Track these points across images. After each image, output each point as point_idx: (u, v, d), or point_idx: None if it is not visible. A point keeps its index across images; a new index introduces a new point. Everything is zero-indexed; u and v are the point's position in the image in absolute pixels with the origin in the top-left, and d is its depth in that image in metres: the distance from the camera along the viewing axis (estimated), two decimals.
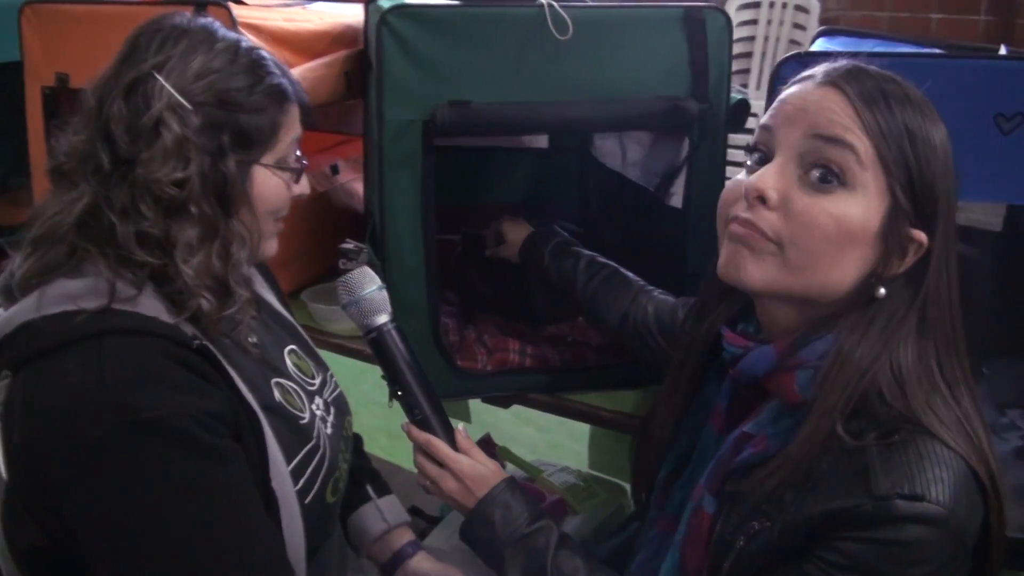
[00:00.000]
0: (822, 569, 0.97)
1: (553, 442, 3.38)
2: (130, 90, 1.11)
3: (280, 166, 1.19)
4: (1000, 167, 1.29)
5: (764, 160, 1.04)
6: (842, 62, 1.04)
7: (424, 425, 1.32)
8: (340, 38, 2.05)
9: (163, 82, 1.10)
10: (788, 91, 1.05)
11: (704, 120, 1.59)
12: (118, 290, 1.08)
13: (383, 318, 1.32)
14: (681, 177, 1.71)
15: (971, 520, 0.97)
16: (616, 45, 1.54)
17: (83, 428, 1.01)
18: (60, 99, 1.89)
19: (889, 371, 1.00)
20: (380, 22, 1.49)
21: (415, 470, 2.95)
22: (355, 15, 2.08)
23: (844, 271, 1.01)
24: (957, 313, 1.04)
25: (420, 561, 1.48)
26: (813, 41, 1.89)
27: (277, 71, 1.19)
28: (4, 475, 1.09)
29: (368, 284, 1.32)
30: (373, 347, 1.33)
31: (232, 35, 1.18)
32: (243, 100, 1.14)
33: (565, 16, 1.49)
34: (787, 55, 1.40)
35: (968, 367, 1.05)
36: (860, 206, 0.99)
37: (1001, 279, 1.65)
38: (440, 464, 1.30)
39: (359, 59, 2.01)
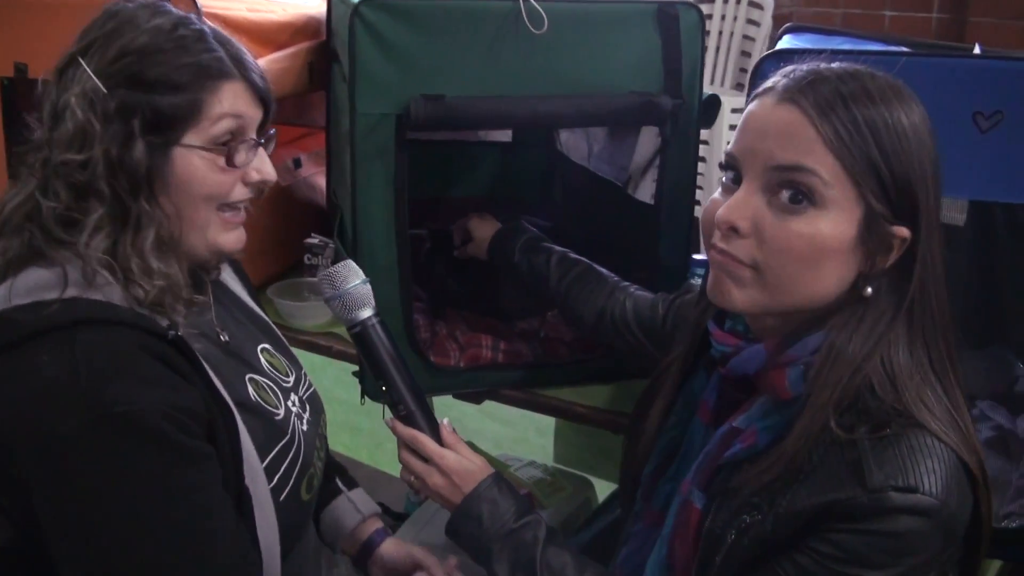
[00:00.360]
0: (815, 560, 0.98)
1: (518, 436, 3.39)
2: (60, 75, 1.11)
3: (208, 147, 1.12)
4: (978, 165, 1.31)
5: (737, 179, 1.05)
6: (801, 70, 1.03)
7: (409, 420, 1.30)
8: (303, 29, 2.03)
9: (84, 66, 1.09)
10: (750, 108, 1.05)
11: (677, 116, 1.59)
12: (86, 278, 1.06)
13: (367, 312, 1.30)
14: (652, 172, 1.71)
15: (962, 510, 0.98)
16: (591, 40, 1.54)
17: (54, 421, 0.99)
18: (18, 90, 1.84)
19: (880, 366, 1.01)
20: (353, 14, 1.47)
21: (376, 466, 2.93)
22: (317, 6, 2.06)
23: (826, 283, 1.02)
24: (944, 301, 1.05)
25: (389, 547, 1.47)
26: (779, 38, 1.89)
27: (214, 47, 1.13)
28: None
29: (352, 278, 1.29)
30: (357, 341, 1.31)
31: (176, 14, 1.14)
32: (158, 80, 1.09)
33: (540, 10, 1.48)
34: (766, 52, 1.40)
35: (955, 357, 1.06)
36: (831, 222, 0.99)
37: (967, 272, 1.68)
38: (426, 460, 1.28)
39: (322, 51, 1.99)
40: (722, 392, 1.18)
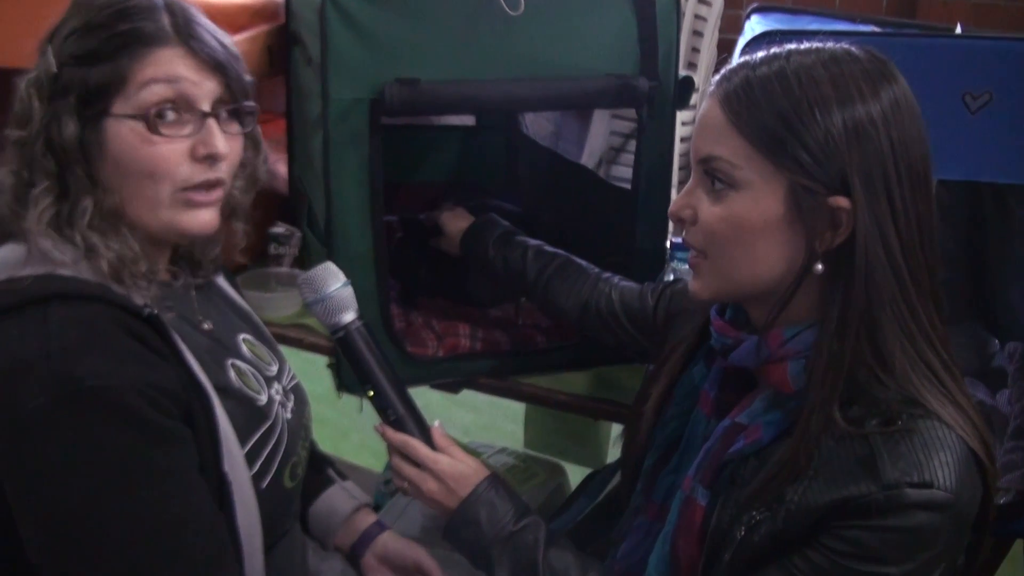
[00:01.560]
0: (829, 558, 0.97)
1: (487, 424, 3.35)
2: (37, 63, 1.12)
3: (135, 115, 1.07)
4: (967, 145, 1.31)
5: None
6: (732, 64, 1.05)
7: (399, 425, 1.26)
8: (261, 12, 1.97)
9: (48, 51, 1.09)
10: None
11: (653, 98, 1.57)
12: (59, 253, 1.06)
13: (350, 316, 1.26)
14: (624, 155, 1.70)
15: (974, 501, 0.98)
16: (567, 21, 1.52)
17: (23, 396, 0.97)
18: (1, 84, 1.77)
19: (869, 350, 0.99)
20: None
21: (341, 456, 2.89)
22: None
23: (767, 261, 1.02)
24: (922, 266, 1.00)
25: (388, 538, 1.44)
26: (747, 17, 1.89)
27: (161, 18, 1.09)
28: None
29: (333, 281, 1.26)
30: (341, 347, 1.27)
31: None
32: (92, 51, 1.07)
33: None
34: (756, 35, 1.39)
35: (945, 334, 1.04)
36: (749, 201, 1.01)
37: (951, 250, 1.69)
38: (418, 465, 1.25)
39: (281, 34, 1.94)
40: (723, 384, 1.17)
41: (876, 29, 1.64)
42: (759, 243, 1.02)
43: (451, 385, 1.72)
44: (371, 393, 1.26)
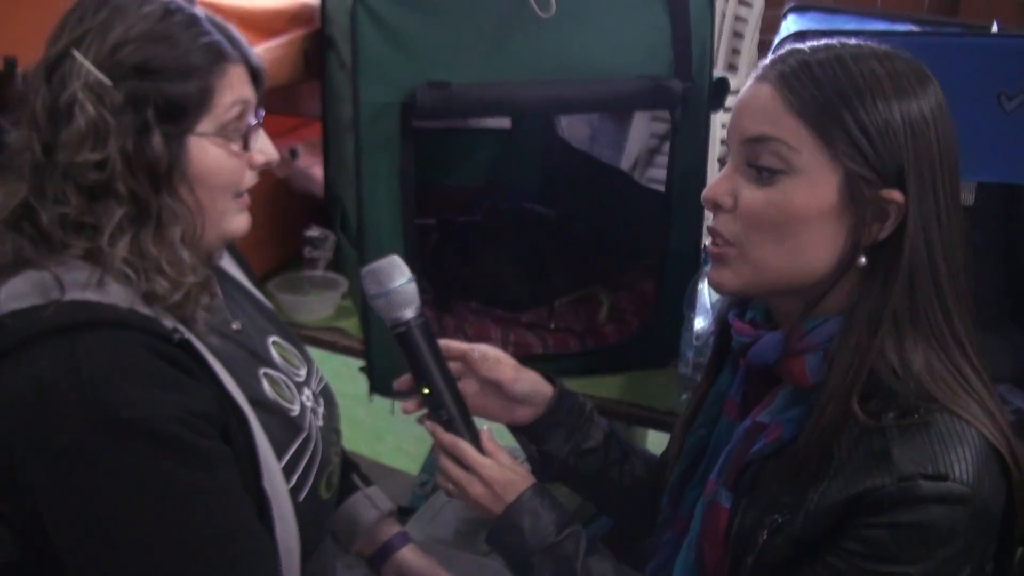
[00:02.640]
0: (846, 560, 0.95)
1: None
2: (50, 71, 1.05)
3: (221, 134, 1.09)
4: (1002, 146, 1.28)
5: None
6: (782, 50, 1.02)
7: (449, 426, 1.23)
8: (297, 17, 1.99)
9: (81, 59, 1.03)
10: (740, 92, 1.06)
11: (687, 99, 1.56)
12: (85, 279, 1.02)
13: (412, 312, 1.22)
14: (659, 157, 1.68)
15: (995, 498, 0.95)
16: (599, 23, 1.51)
17: (58, 429, 0.96)
18: (6, 84, 1.79)
19: (893, 346, 0.97)
20: (355, 0, 1.43)
21: (377, 459, 2.90)
22: None
23: (811, 253, 1.00)
24: (959, 274, 1.00)
25: (409, 553, 1.43)
26: (784, 16, 1.87)
27: (211, 30, 1.10)
28: None
29: (398, 276, 1.22)
30: (401, 342, 1.23)
31: (162, 0, 1.10)
32: (166, 67, 1.04)
33: None
34: (789, 33, 1.37)
35: (973, 336, 1.02)
36: (804, 186, 0.98)
37: (977, 252, 1.65)
38: (466, 468, 1.22)
39: (317, 38, 1.96)
40: (747, 386, 1.15)
41: (913, 28, 1.61)
42: (804, 232, 0.99)
43: None
44: (426, 391, 1.23)
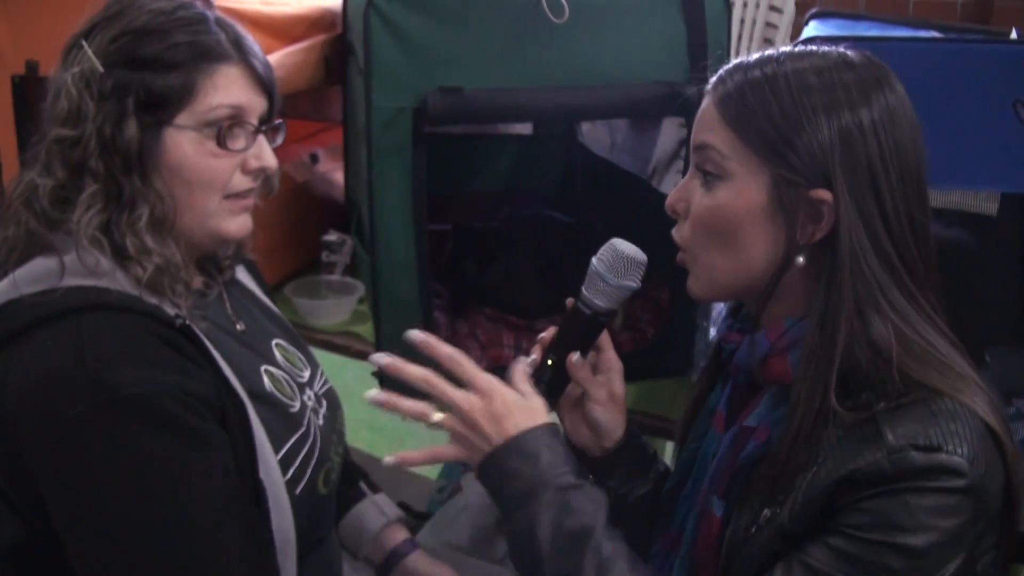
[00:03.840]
0: (849, 536, 0.92)
1: None
2: (64, 58, 1.11)
3: (199, 131, 1.10)
4: (1018, 155, 1.25)
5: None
6: (729, 65, 1.06)
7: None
8: (318, 22, 2.00)
9: (86, 47, 1.09)
10: None
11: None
12: (90, 266, 1.05)
13: (611, 307, 1.17)
14: (676, 164, 1.67)
15: (992, 478, 0.93)
16: (613, 29, 1.51)
17: (61, 405, 0.98)
18: (30, 87, 1.82)
19: (862, 338, 0.97)
20: (368, 4, 1.44)
21: (402, 466, 2.90)
22: None
23: (754, 253, 1.02)
24: (912, 259, 0.99)
25: (417, 560, 1.43)
26: (806, 24, 1.85)
27: (215, 30, 1.12)
28: None
29: (632, 278, 1.16)
30: (575, 316, 1.18)
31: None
32: (153, 59, 1.08)
33: None
34: (799, 40, 1.36)
35: (942, 320, 1.02)
36: (734, 191, 1.01)
37: (1000, 265, 1.63)
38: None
39: (338, 44, 1.96)
40: (732, 395, 1.15)
41: (936, 35, 1.59)
42: (740, 235, 1.01)
43: None
44: (549, 362, 1.19)
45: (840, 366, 0.97)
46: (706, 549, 1.08)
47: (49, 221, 1.09)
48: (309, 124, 2.28)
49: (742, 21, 3.78)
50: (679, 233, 1.08)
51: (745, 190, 1.00)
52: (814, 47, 1.03)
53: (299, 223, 2.04)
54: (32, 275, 1.06)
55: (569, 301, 1.19)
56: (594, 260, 1.17)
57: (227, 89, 1.12)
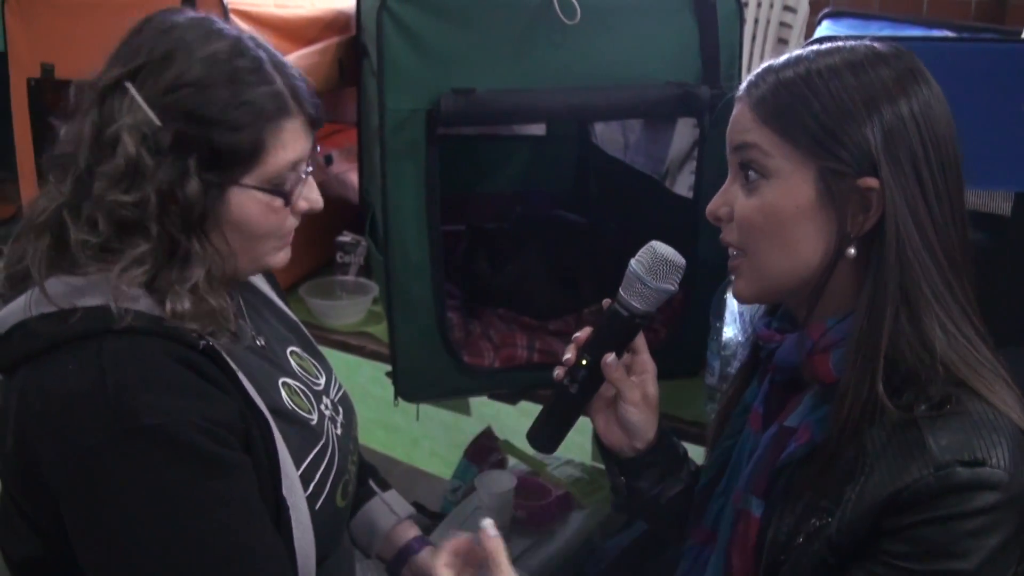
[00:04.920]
0: (892, 566, 0.93)
1: None
2: (103, 97, 1.05)
3: (265, 188, 1.08)
4: None
5: None
6: (759, 68, 1.06)
7: (565, 396, 1.21)
8: (332, 24, 2.01)
9: (134, 94, 1.03)
10: None
11: (715, 106, 1.55)
12: (120, 289, 1.02)
13: (647, 309, 1.17)
14: (689, 164, 1.67)
15: None
16: (625, 30, 1.50)
17: (82, 432, 0.97)
18: (45, 90, 1.83)
19: (910, 327, 0.98)
20: (381, 7, 1.44)
21: (412, 463, 2.91)
22: (347, 0, 2.04)
23: (807, 248, 1.01)
24: (954, 249, 1.00)
25: (428, 556, 1.43)
26: (819, 23, 1.85)
27: (275, 79, 1.08)
28: None
29: (670, 282, 1.16)
30: (611, 318, 1.19)
31: (231, 34, 1.08)
32: (218, 117, 1.03)
33: (573, 0, 1.45)
34: (813, 39, 1.36)
35: (979, 317, 1.02)
36: (781, 188, 1.01)
37: (1014, 265, 1.62)
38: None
39: (352, 46, 1.97)
40: (770, 394, 1.14)
41: (950, 34, 1.58)
42: (793, 231, 1.01)
43: (508, 396, 1.72)
44: (583, 362, 1.20)
45: (886, 358, 0.97)
46: (743, 549, 1.08)
47: (72, 260, 1.05)
48: (323, 126, 2.28)
49: (756, 21, 3.77)
50: (730, 237, 1.07)
51: (793, 186, 1.01)
52: (840, 43, 1.03)
53: (313, 224, 2.01)
54: (52, 294, 1.03)
55: (606, 302, 1.20)
56: (632, 262, 1.17)
57: (292, 146, 1.09)
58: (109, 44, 1.10)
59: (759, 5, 3.74)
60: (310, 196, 1.16)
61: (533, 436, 1.26)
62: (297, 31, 1.91)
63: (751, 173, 1.03)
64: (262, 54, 1.09)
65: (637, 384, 1.22)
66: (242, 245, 1.11)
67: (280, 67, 1.10)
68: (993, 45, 1.28)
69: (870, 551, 0.95)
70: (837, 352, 1.02)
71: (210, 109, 1.03)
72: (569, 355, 1.21)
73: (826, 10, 1.87)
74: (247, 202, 1.08)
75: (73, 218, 1.04)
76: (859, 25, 1.72)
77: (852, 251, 1.00)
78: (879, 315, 0.97)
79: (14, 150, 1.95)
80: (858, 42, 1.03)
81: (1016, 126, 1.24)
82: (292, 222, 1.16)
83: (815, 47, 1.04)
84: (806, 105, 0.99)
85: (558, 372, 1.21)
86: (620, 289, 1.17)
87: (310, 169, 1.15)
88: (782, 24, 3.74)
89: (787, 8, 3.72)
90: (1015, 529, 0.92)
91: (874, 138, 0.97)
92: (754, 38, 3.79)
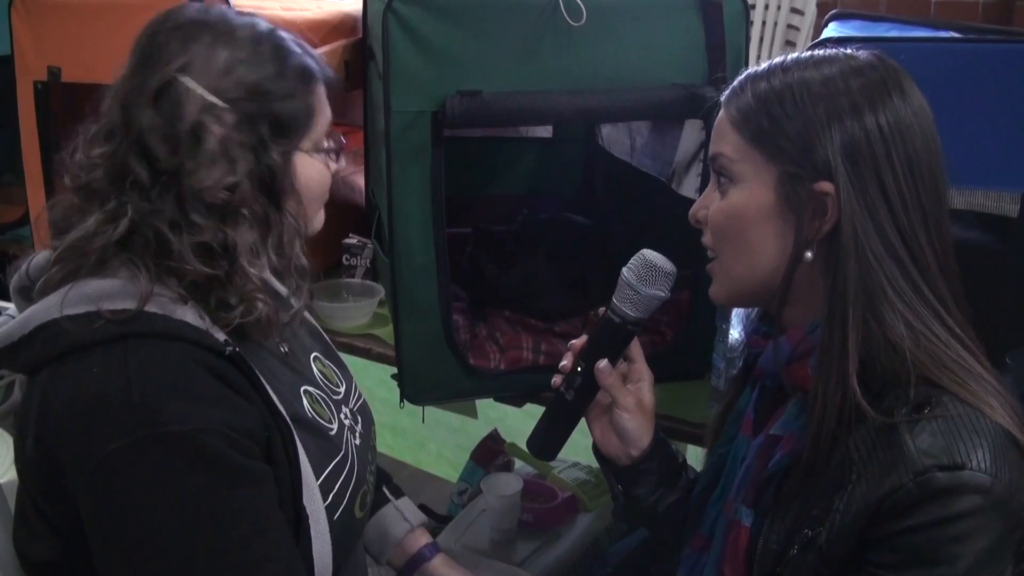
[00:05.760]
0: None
1: None
2: (158, 96, 1.05)
3: (318, 149, 1.15)
4: None
5: None
6: (742, 76, 1.08)
7: (563, 402, 1.25)
8: (339, 27, 2.01)
9: (192, 84, 1.05)
10: None
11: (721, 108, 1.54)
12: (153, 294, 1.02)
13: (639, 316, 1.21)
14: (696, 166, 1.67)
15: (1020, 485, 0.93)
16: (631, 31, 1.50)
17: (105, 436, 0.97)
18: (52, 93, 1.83)
19: (878, 333, 0.98)
20: (386, 9, 1.44)
21: (419, 466, 2.91)
22: (353, 3, 2.04)
23: (763, 251, 1.04)
24: (922, 252, 1.00)
25: (440, 566, 1.43)
26: (825, 25, 1.84)
27: (299, 50, 1.14)
28: (16, 481, 1.05)
29: (660, 288, 1.20)
30: (605, 324, 1.23)
31: (245, 19, 1.12)
32: (274, 88, 1.08)
33: (578, 2, 1.45)
34: (816, 41, 1.35)
35: (963, 316, 1.03)
36: (746, 191, 1.04)
37: (1021, 266, 1.61)
38: None
39: (358, 48, 1.97)
40: (760, 401, 1.15)
41: (956, 35, 1.58)
42: (754, 234, 1.04)
43: (514, 399, 1.72)
44: (579, 368, 1.23)
45: (861, 363, 0.97)
46: (733, 559, 1.08)
47: (176, 272, 1.06)
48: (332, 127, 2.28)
49: (763, 23, 3.76)
50: (705, 240, 1.11)
51: (755, 190, 1.03)
52: (822, 52, 1.05)
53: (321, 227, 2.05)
54: (81, 296, 1.03)
55: (601, 310, 1.23)
56: (624, 270, 1.20)
57: (326, 108, 1.16)
58: (116, 47, 1.10)
59: (767, 7, 3.74)
60: (341, 160, 1.23)
61: (533, 443, 1.29)
62: (302, 33, 1.91)
63: (722, 178, 1.07)
64: (283, 33, 1.16)
65: (632, 391, 1.25)
66: (308, 211, 1.16)
67: (297, 42, 1.17)
68: (1000, 46, 1.28)
69: (858, 563, 0.95)
70: (815, 357, 1.02)
71: (265, 83, 1.08)
72: (566, 362, 1.25)
73: (833, 11, 1.86)
74: (310, 165, 1.14)
75: (161, 224, 1.04)
76: (866, 26, 1.72)
77: (809, 255, 1.01)
78: (842, 317, 0.98)
79: (20, 153, 1.95)
80: (841, 50, 1.05)
81: (1022, 127, 1.23)
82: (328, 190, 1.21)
83: (795, 56, 1.06)
84: (772, 114, 1.02)
85: (556, 379, 1.25)
86: (613, 296, 1.20)
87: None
88: (789, 26, 3.73)
89: (794, 10, 3.71)
90: (1002, 532, 0.91)
91: (832, 145, 0.99)
92: (762, 39, 3.78)
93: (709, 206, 1.09)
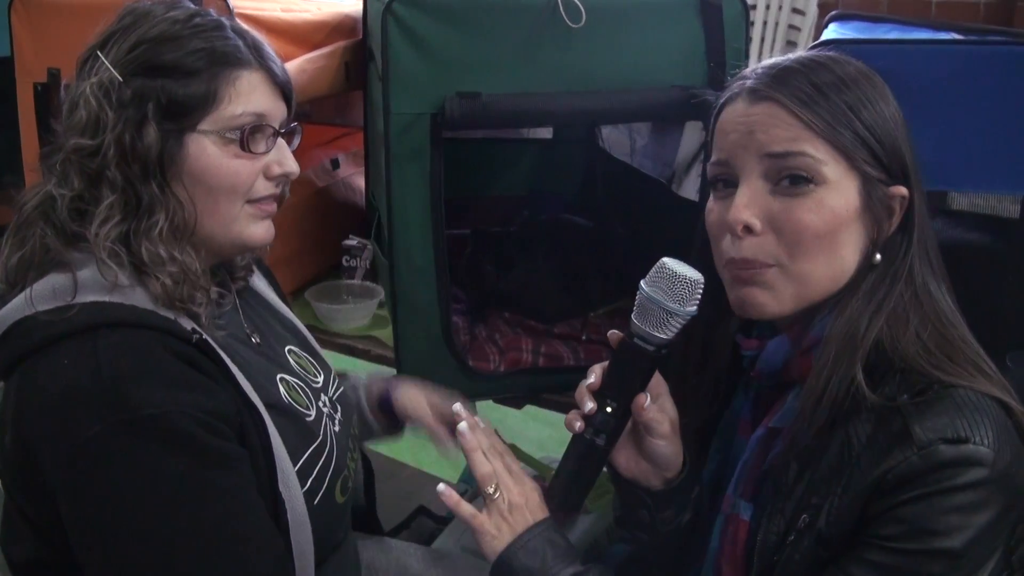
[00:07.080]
0: (884, 548, 0.93)
1: (562, 438, 3.31)
2: (80, 70, 1.12)
3: (222, 135, 1.10)
4: None
5: (730, 183, 1.06)
6: (765, 66, 1.06)
7: (592, 452, 1.11)
8: (339, 28, 2.01)
9: (103, 59, 1.09)
10: (724, 117, 1.08)
11: None
12: (109, 281, 1.04)
13: (665, 338, 1.06)
14: (696, 167, 1.67)
15: (1019, 466, 0.94)
16: (630, 33, 1.50)
17: (78, 424, 0.98)
18: (52, 95, 1.83)
19: (896, 329, 1.00)
20: (385, 11, 1.44)
21: (419, 466, 2.89)
22: (353, 5, 2.04)
23: (845, 256, 1.02)
24: (937, 255, 1.07)
25: (407, 389, 1.47)
26: (825, 26, 1.84)
27: (231, 37, 1.12)
28: None
29: (688, 303, 1.04)
30: (626, 351, 1.08)
31: (192, 7, 1.14)
32: (173, 66, 1.08)
33: (578, 4, 1.45)
34: (819, 41, 1.35)
35: (958, 314, 1.06)
36: (836, 194, 1.01)
37: (1022, 268, 1.61)
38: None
39: (358, 49, 1.97)
40: (756, 401, 1.15)
41: (957, 36, 1.58)
42: (841, 236, 1.02)
43: (514, 400, 1.72)
44: (608, 409, 1.09)
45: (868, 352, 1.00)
46: (732, 554, 1.08)
47: (67, 235, 1.08)
48: (330, 129, 2.29)
49: (764, 23, 3.77)
50: (760, 249, 1.02)
51: (844, 192, 1.01)
52: (826, 53, 1.07)
53: (320, 228, 2.05)
54: (47, 291, 1.05)
55: (613, 335, 1.11)
56: (646, 287, 1.05)
57: (249, 96, 1.12)
58: None
59: (768, 7, 3.74)
60: (283, 160, 1.16)
61: (558, 497, 1.14)
62: (303, 35, 1.92)
63: (798, 181, 1.00)
64: (226, 20, 1.14)
65: (663, 418, 1.12)
66: (204, 199, 1.12)
67: (243, 32, 1.15)
68: (1001, 48, 1.28)
69: (859, 538, 0.95)
70: (819, 349, 1.03)
71: (164, 59, 1.08)
72: (591, 405, 1.10)
73: (834, 12, 1.86)
74: (206, 147, 1.10)
75: (57, 186, 1.09)
76: (867, 27, 1.71)
77: (878, 256, 1.03)
78: (875, 311, 1.01)
79: (21, 155, 1.95)
80: (831, 53, 1.07)
81: (1022, 130, 1.23)
82: (264, 185, 1.15)
83: (811, 54, 1.06)
84: (857, 115, 1.01)
85: (577, 425, 1.10)
86: (634, 319, 1.06)
87: (282, 131, 1.17)
88: (791, 27, 3.74)
89: (796, 11, 3.72)
90: (1001, 509, 0.93)
91: (906, 147, 1.02)
92: (763, 40, 3.79)
93: (762, 210, 1.01)
